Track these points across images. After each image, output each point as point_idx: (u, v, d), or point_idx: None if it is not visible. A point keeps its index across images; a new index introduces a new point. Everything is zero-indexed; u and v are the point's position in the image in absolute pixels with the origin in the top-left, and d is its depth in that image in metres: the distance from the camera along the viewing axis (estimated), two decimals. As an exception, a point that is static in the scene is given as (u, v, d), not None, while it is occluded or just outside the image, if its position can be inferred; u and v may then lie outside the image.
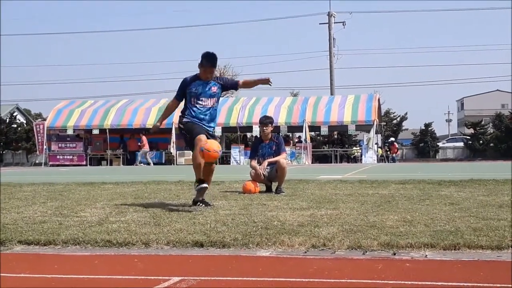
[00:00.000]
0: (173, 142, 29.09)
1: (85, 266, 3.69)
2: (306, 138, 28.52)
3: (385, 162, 30.17)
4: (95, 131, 30.92)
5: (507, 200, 6.65)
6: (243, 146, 29.41)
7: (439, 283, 3.06)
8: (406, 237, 4.21)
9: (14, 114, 45.90)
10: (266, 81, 6.81)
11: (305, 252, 3.95)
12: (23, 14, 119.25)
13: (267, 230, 4.62)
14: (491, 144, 37.38)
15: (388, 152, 32.89)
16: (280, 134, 25.13)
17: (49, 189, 9.39)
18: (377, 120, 29.17)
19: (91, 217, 5.73)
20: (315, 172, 15.46)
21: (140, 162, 28.60)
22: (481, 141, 37.89)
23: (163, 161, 30.30)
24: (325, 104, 29.64)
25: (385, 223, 4.94)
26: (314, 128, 30.01)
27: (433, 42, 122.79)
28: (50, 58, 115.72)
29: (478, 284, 3.03)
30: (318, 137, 34.51)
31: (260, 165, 8.66)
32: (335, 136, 33.00)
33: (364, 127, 30.08)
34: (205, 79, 6.58)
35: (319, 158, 30.51)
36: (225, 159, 30.99)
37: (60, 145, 31.37)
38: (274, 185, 8.60)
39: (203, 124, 6.54)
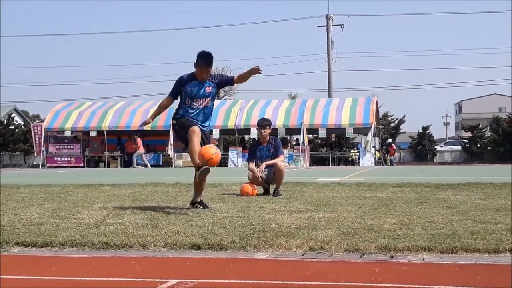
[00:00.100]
0: (170, 144, 29.09)
1: (82, 268, 3.68)
2: (304, 140, 28.55)
3: (382, 165, 30.20)
4: (93, 133, 30.92)
5: (504, 203, 6.66)
6: (241, 149, 29.42)
7: (437, 287, 3.06)
8: (403, 240, 4.22)
9: (12, 115, 45.86)
10: (256, 70, 6.50)
11: (303, 255, 3.95)
12: (22, 14, 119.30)
13: (265, 233, 4.62)
14: (489, 148, 37.44)
15: (386, 155, 32.91)
16: (278, 137, 25.10)
17: (47, 191, 9.38)
18: (375, 123, 29.21)
19: (88, 219, 5.72)
20: (313, 175, 15.47)
21: (138, 164, 28.58)
22: (478, 145, 37.94)
23: (161, 163, 30.28)
24: (323, 106, 29.68)
25: (382, 226, 4.95)
26: (312, 130, 30.07)
27: (431, 45, 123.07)
28: (48, 59, 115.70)
29: (475, 288, 3.03)
30: (316, 140, 34.56)
31: (258, 167, 8.66)
32: (333, 139, 33.05)
33: (362, 130, 30.12)
34: (201, 79, 6.51)
35: (317, 161, 30.54)
36: (222, 162, 30.94)
37: (57, 146, 31.35)
38: (272, 188, 8.61)
39: (198, 122, 6.47)
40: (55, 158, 31.03)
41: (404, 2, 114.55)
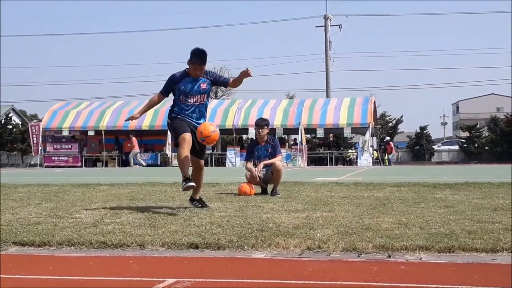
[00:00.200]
0: (168, 144, 29.08)
1: (80, 268, 3.68)
2: (302, 140, 28.56)
3: (380, 164, 30.21)
4: (91, 133, 30.91)
5: (501, 203, 6.67)
6: (239, 148, 29.44)
7: (434, 286, 3.06)
8: (401, 239, 4.22)
9: (10, 115, 45.76)
10: (246, 74, 6.37)
11: (300, 254, 3.95)
12: (20, 14, 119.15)
13: (262, 232, 4.62)
14: (486, 148, 37.51)
15: (384, 154, 32.92)
16: (276, 136, 25.11)
17: (44, 190, 9.37)
18: (373, 123, 29.26)
19: (86, 218, 5.72)
20: (311, 175, 15.48)
21: (135, 164, 28.57)
22: (476, 144, 38.00)
23: (159, 163, 30.27)
24: (321, 106, 29.71)
25: (380, 225, 4.95)
26: (309, 130, 30.10)
27: (429, 45, 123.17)
28: (46, 59, 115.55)
29: (473, 287, 3.03)
30: (314, 140, 34.58)
31: (255, 167, 8.66)
32: (331, 139, 33.08)
33: (360, 130, 30.16)
34: (194, 76, 6.41)
35: (314, 161, 30.56)
36: (220, 161, 31.00)
37: (55, 146, 31.33)
38: (270, 187, 8.61)
39: (192, 121, 6.40)
40: (53, 158, 31.01)
41: (401, 3, 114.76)
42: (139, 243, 4.31)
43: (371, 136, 28.64)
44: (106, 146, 31.01)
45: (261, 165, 8.64)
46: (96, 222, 5.42)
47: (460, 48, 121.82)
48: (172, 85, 6.44)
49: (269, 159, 8.68)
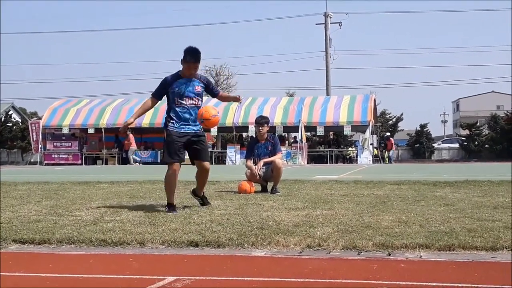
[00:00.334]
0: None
1: (80, 265, 3.68)
2: (302, 138, 28.54)
3: (380, 162, 30.21)
4: (91, 130, 30.88)
5: (502, 201, 6.67)
6: (239, 146, 29.43)
7: (434, 284, 3.06)
8: (401, 237, 4.22)
9: (10, 112, 45.78)
10: (236, 99, 6.90)
11: (300, 252, 3.95)
12: (20, 12, 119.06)
13: (262, 230, 4.62)
14: (486, 145, 37.49)
15: (384, 151, 32.90)
16: (276, 134, 25.12)
17: (44, 188, 9.37)
18: (373, 120, 29.23)
19: (86, 216, 5.72)
20: (311, 173, 15.48)
21: (135, 162, 28.56)
22: (476, 142, 37.99)
23: (159, 161, 30.25)
24: (321, 104, 29.67)
25: (380, 223, 4.95)
26: (310, 128, 30.05)
27: (429, 43, 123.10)
28: (46, 57, 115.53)
29: (473, 285, 3.04)
30: (314, 137, 34.55)
31: (255, 165, 8.66)
32: (331, 137, 33.06)
33: (360, 128, 30.12)
34: (189, 76, 6.32)
35: (314, 159, 30.53)
36: (220, 159, 30.99)
37: (55, 144, 31.30)
38: (270, 185, 8.61)
39: (189, 124, 6.31)
40: (53, 156, 30.98)
41: (402, 1, 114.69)
42: (139, 241, 4.31)
43: (371, 134, 28.62)
44: (106, 144, 30.98)
45: (261, 163, 8.64)
46: (96, 220, 5.42)
47: (461, 46, 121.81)
48: (165, 88, 6.33)
49: (269, 157, 8.68)
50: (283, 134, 31.98)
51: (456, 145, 41.09)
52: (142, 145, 31.90)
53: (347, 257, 3.78)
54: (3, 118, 41.75)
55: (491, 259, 3.69)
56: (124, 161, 30.09)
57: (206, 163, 6.48)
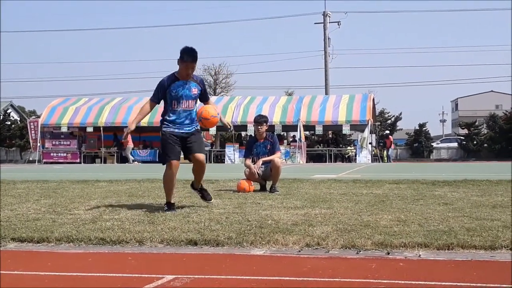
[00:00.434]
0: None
1: (79, 264, 3.68)
2: (300, 137, 28.54)
3: (379, 161, 30.22)
4: (89, 129, 30.85)
5: (500, 200, 6.68)
6: (238, 145, 29.43)
7: (433, 283, 3.06)
8: (400, 236, 4.22)
9: (8, 111, 45.79)
10: (225, 125, 7.19)
11: (299, 251, 3.95)
12: (20, 11, 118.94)
13: (261, 229, 4.62)
14: (485, 145, 37.54)
15: (383, 149, 32.90)
16: (275, 133, 25.15)
17: (43, 187, 9.37)
18: (372, 120, 29.23)
19: (84, 214, 5.72)
20: (310, 172, 15.47)
21: (134, 161, 28.55)
22: (475, 142, 38.04)
23: (157, 159, 30.24)
24: (319, 103, 29.67)
25: (379, 222, 4.95)
26: (308, 127, 30.04)
27: (428, 42, 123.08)
28: (45, 55, 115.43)
29: (472, 284, 3.04)
30: (313, 137, 34.54)
31: (254, 164, 8.66)
32: (330, 136, 33.04)
33: (359, 127, 30.12)
34: (186, 76, 6.25)
35: (313, 158, 30.53)
36: (219, 158, 30.99)
37: (54, 142, 31.27)
38: (269, 184, 8.61)
39: (184, 126, 6.26)
40: (52, 154, 30.96)
41: (401, 0, 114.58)
42: (138, 239, 4.31)
43: (370, 133, 28.62)
44: (105, 143, 30.95)
45: (260, 161, 8.64)
46: (95, 218, 5.42)
47: (459, 45, 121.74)
48: (163, 90, 6.28)
49: (268, 156, 8.68)
50: (282, 133, 31.97)
51: (455, 144, 41.15)
52: (141, 143, 31.87)
53: (346, 256, 3.79)
54: (1, 117, 41.74)
55: (490, 258, 3.69)
56: (123, 159, 30.08)
57: (199, 155, 6.33)
